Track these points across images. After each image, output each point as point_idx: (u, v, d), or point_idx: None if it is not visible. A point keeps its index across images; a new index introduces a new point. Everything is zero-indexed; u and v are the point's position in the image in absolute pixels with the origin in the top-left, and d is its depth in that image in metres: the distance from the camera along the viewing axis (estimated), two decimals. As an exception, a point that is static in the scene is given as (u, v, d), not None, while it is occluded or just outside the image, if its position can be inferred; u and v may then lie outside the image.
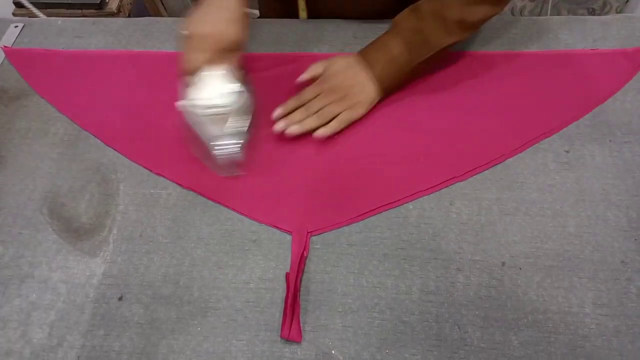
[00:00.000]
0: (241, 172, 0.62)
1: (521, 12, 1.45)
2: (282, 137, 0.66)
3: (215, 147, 0.58)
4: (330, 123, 0.63)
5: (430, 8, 0.61)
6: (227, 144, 0.58)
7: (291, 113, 0.64)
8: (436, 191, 0.60)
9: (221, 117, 0.56)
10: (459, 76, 0.70)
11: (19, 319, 0.54)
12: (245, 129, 0.61)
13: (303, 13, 0.81)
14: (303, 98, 0.64)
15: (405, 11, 0.64)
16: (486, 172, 0.61)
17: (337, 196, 0.60)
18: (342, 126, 0.64)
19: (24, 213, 0.61)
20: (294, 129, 0.62)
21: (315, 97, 0.64)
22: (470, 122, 0.65)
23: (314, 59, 0.73)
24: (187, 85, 0.57)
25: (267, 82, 0.72)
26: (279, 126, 0.62)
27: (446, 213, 0.59)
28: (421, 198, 0.60)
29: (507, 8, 1.45)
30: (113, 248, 0.58)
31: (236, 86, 0.56)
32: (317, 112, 0.63)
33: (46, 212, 0.61)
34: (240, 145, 0.59)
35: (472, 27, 0.63)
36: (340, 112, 0.63)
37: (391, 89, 0.66)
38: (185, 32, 0.55)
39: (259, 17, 0.88)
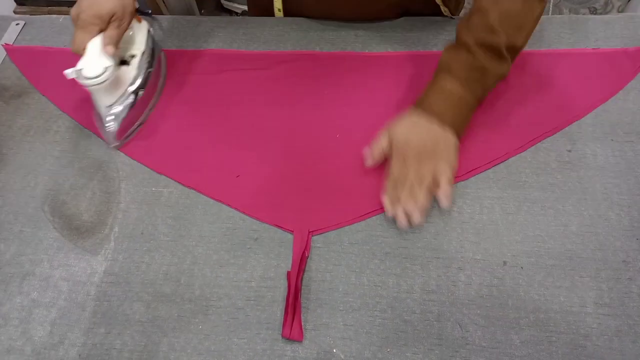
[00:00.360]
0: (118, 146, 0.66)
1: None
2: (283, 135, 0.66)
3: (101, 117, 0.63)
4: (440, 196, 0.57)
5: (474, 40, 0.57)
6: (110, 115, 0.63)
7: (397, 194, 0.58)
8: (438, 190, 0.60)
9: (101, 87, 0.60)
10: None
11: (20, 316, 0.54)
12: (129, 101, 0.64)
13: (279, 13, 0.82)
14: (396, 180, 0.58)
15: (450, 50, 0.60)
16: (488, 171, 0.61)
17: (339, 196, 0.60)
18: (449, 190, 0.58)
19: (26, 211, 0.61)
20: (415, 219, 0.56)
21: (405, 173, 0.57)
22: (473, 121, 0.65)
23: (315, 57, 0.74)
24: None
25: (269, 80, 0.72)
26: (402, 224, 0.56)
27: (448, 212, 0.58)
28: (423, 197, 0.60)
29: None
30: (114, 246, 0.58)
31: (107, 60, 0.59)
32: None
33: (47, 210, 0.61)
34: (117, 117, 0.63)
35: (521, 47, 0.60)
36: (437, 174, 0.57)
37: (464, 130, 0.61)
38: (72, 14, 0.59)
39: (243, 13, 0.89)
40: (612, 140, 0.62)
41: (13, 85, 0.74)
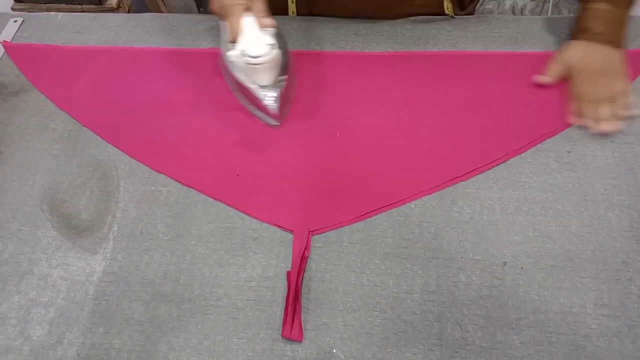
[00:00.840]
0: (279, 124, 0.65)
1: (522, 12, 1.44)
2: (284, 135, 0.65)
3: (261, 96, 0.62)
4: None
5: None
6: (269, 94, 0.62)
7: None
8: (438, 190, 0.60)
9: (263, 67, 0.59)
10: (461, 76, 0.70)
11: (18, 315, 0.53)
12: (284, 80, 0.64)
13: (292, 15, 0.82)
14: (586, 98, 0.64)
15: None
16: (488, 171, 0.61)
17: (339, 196, 0.60)
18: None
19: (24, 209, 0.61)
20: (612, 126, 0.63)
21: (594, 90, 0.64)
22: (473, 122, 0.65)
23: (315, 56, 0.73)
24: (228, 35, 0.59)
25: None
26: (601, 128, 0.63)
27: (448, 212, 0.58)
28: (423, 197, 0.60)
29: (507, 6, 1.45)
30: (113, 245, 0.58)
31: (271, 38, 0.58)
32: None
33: (46, 209, 0.60)
34: (277, 96, 0.62)
35: None
36: (613, 91, 0.64)
37: (624, 41, 0.66)
38: None
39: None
40: (611, 141, 0.63)
41: (11, 83, 0.73)
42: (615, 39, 0.65)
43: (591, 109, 0.63)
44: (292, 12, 0.81)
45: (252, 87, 0.62)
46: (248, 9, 0.58)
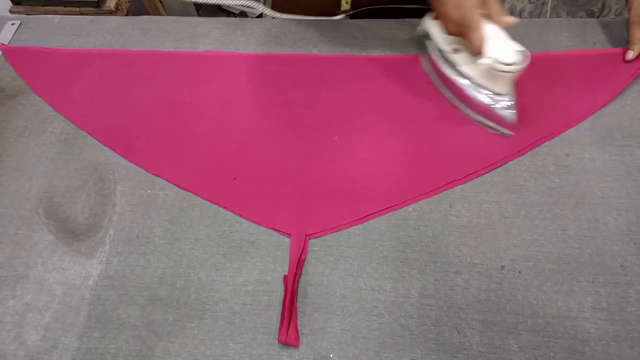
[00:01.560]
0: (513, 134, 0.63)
1: (520, 14, 1.44)
2: (281, 138, 0.65)
3: (502, 103, 0.61)
4: None
5: None
6: (509, 102, 0.61)
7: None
8: (436, 194, 0.60)
9: (514, 74, 0.59)
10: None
11: (13, 320, 0.53)
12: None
13: (346, 5, 0.81)
14: None
15: None
16: (486, 175, 0.61)
17: (336, 199, 0.60)
18: None
19: (20, 213, 0.60)
20: None
21: None
22: (471, 125, 0.65)
23: (313, 59, 0.73)
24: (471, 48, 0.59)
25: (266, 82, 0.71)
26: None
27: (446, 216, 0.58)
28: (421, 201, 0.59)
29: (506, 8, 1.45)
30: (109, 249, 0.57)
31: (514, 43, 0.58)
32: None
33: (42, 212, 0.60)
34: (514, 104, 0.62)
35: None
36: None
37: None
38: None
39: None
40: (609, 144, 0.62)
41: (8, 86, 0.73)
42: None
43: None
44: (346, 2, 0.81)
45: (486, 94, 0.62)
46: (487, 15, 0.57)
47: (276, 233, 0.58)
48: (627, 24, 0.70)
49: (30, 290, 0.55)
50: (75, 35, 0.79)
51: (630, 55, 0.67)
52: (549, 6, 1.41)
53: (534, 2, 1.42)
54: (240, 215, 0.60)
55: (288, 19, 0.80)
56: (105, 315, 0.53)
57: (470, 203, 0.59)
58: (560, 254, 0.55)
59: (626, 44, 0.70)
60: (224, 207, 0.60)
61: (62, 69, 0.74)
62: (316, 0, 0.82)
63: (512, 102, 0.62)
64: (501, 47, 0.57)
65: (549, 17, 1.43)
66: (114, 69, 0.74)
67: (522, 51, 0.57)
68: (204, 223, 0.59)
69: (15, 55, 0.77)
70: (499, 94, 0.61)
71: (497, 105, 0.61)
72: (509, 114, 0.61)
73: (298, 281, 0.54)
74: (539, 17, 1.44)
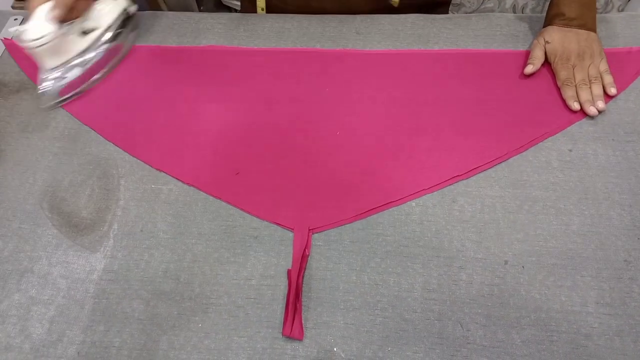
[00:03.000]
0: (48, 108, 0.69)
1: (523, 10, 1.44)
2: (284, 132, 0.65)
3: (41, 79, 0.66)
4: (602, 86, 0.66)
5: None
6: (47, 78, 0.66)
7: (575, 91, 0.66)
8: (439, 189, 0.60)
9: (39, 50, 0.63)
10: (462, 75, 0.70)
11: (18, 314, 0.53)
12: (72, 70, 0.67)
13: (262, 12, 0.83)
14: (570, 82, 0.66)
15: None
16: (490, 170, 0.61)
17: (340, 194, 0.60)
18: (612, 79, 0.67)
19: (24, 207, 0.61)
20: (593, 110, 0.64)
21: (573, 74, 0.67)
22: (474, 120, 0.65)
23: (316, 54, 0.73)
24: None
25: (269, 77, 0.71)
26: (576, 107, 0.65)
27: (449, 211, 0.58)
28: (424, 196, 0.59)
29: (509, 4, 1.44)
30: (113, 243, 0.57)
31: (50, 26, 0.61)
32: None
33: (46, 207, 0.60)
34: (58, 81, 0.67)
35: None
36: (599, 68, 0.67)
37: (595, 25, 0.70)
38: None
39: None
40: (613, 140, 0.62)
41: (11, 81, 0.73)
42: (588, 22, 0.68)
43: (580, 92, 0.65)
44: (262, 9, 0.83)
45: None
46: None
47: (279, 228, 0.58)
48: (631, 19, 0.71)
49: (34, 284, 0.55)
50: (78, 30, 0.79)
51: (530, 69, 0.68)
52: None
53: (536, -2, 1.42)
54: (244, 210, 0.60)
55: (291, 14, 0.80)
56: (110, 309, 0.53)
57: (473, 198, 0.59)
58: (564, 249, 0.55)
59: (629, 41, 0.70)
60: (227, 202, 0.60)
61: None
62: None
63: (49, 81, 0.66)
64: (33, 25, 0.61)
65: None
66: (116, 64, 0.74)
67: (48, 33, 0.61)
68: (208, 217, 0.59)
69: (18, 50, 0.76)
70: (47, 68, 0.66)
71: (40, 75, 0.66)
72: (41, 88, 0.66)
73: (302, 276, 0.54)
74: (541, 13, 1.44)
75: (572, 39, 0.68)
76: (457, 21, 0.77)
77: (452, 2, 1.52)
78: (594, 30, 0.69)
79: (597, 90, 0.65)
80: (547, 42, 0.69)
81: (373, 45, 0.75)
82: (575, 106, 0.64)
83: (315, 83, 0.70)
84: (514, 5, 1.46)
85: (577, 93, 0.65)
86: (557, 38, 0.68)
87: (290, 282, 0.53)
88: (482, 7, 1.47)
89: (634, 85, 0.66)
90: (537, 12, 1.46)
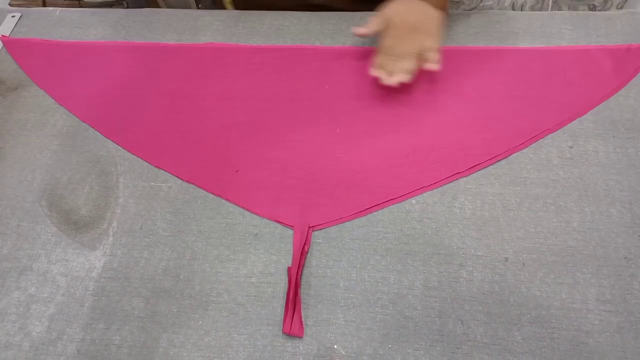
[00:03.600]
0: None
1: (522, 8, 1.44)
2: (283, 130, 0.65)
3: None
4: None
5: None
6: None
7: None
8: (439, 186, 0.60)
9: None
10: (461, 72, 0.69)
11: (17, 312, 0.53)
12: None
13: (229, 5, 0.82)
14: (390, 51, 0.65)
15: None
16: (490, 167, 0.61)
17: (339, 191, 0.60)
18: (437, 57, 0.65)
19: (23, 205, 0.60)
20: (388, 80, 0.64)
21: (397, 45, 0.65)
22: (474, 117, 0.65)
23: (315, 51, 0.73)
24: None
25: (268, 74, 0.71)
26: (374, 73, 0.65)
27: (449, 208, 0.58)
28: (424, 193, 0.59)
29: (508, 2, 1.44)
30: (113, 241, 0.57)
31: None
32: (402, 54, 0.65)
33: (45, 205, 0.60)
34: None
35: None
36: (421, 47, 0.65)
37: (445, 8, 0.69)
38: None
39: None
40: (613, 136, 0.62)
41: (9, 78, 0.73)
42: (438, 1, 0.67)
43: (390, 62, 0.64)
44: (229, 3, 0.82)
45: None
46: None
47: (279, 225, 0.58)
48: (630, 16, 0.70)
49: (34, 282, 0.55)
50: (76, 28, 0.78)
51: (358, 30, 0.67)
52: (550, 0, 1.40)
53: (535, -4, 1.42)
54: (244, 208, 0.59)
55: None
56: (110, 307, 0.53)
57: (474, 195, 0.59)
58: (564, 246, 0.55)
59: (629, 38, 0.70)
60: (227, 200, 0.60)
61: (64, 62, 0.74)
62: None
63: None
64: None
65: (551, 10, 1.42)
66: (114, 62, 0.74)
67: None
68: (207, 215, 0.59)
69: (16, 47, 0.76)
70: None
71: None
72: None
73: (301, 273, 0.54)
74: (540, 11, 1.44)
75: (413, 11, 0.66)
76: (457, 18, 0.77)
77: (451, -1, 1.52)
78: (445, 11, 0.68)
79: (408, 65, 0.64)
80: (387, 10, 0.66)
81: (372, 43, 0.74)
82: (374, 73, 0.65)
83: (315, 80, 0.70)
84: (513, 3, 1.46)
85: (392, 64, 0.64)
86: (399, 8, 0.66)
87: (290, 279, 0.53)
88: (481, 4, 1.47)
89: (634, 82, 0.66)
90: (535, 10, 1.46)
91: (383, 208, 0.59)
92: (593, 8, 1.42)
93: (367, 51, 0.73)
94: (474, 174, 0.61)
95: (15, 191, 0.62)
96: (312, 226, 0.58)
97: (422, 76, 0.69)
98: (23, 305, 0.53)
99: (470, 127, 0.64)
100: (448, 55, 0.71)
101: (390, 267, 0.55)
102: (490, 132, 0.63)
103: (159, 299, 0.53)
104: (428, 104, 0.67)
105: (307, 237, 0.56)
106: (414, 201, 0.59)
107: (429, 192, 0.59)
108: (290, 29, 0.77)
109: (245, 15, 0.80)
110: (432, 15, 0.66)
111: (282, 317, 0.52)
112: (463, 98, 0.67)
